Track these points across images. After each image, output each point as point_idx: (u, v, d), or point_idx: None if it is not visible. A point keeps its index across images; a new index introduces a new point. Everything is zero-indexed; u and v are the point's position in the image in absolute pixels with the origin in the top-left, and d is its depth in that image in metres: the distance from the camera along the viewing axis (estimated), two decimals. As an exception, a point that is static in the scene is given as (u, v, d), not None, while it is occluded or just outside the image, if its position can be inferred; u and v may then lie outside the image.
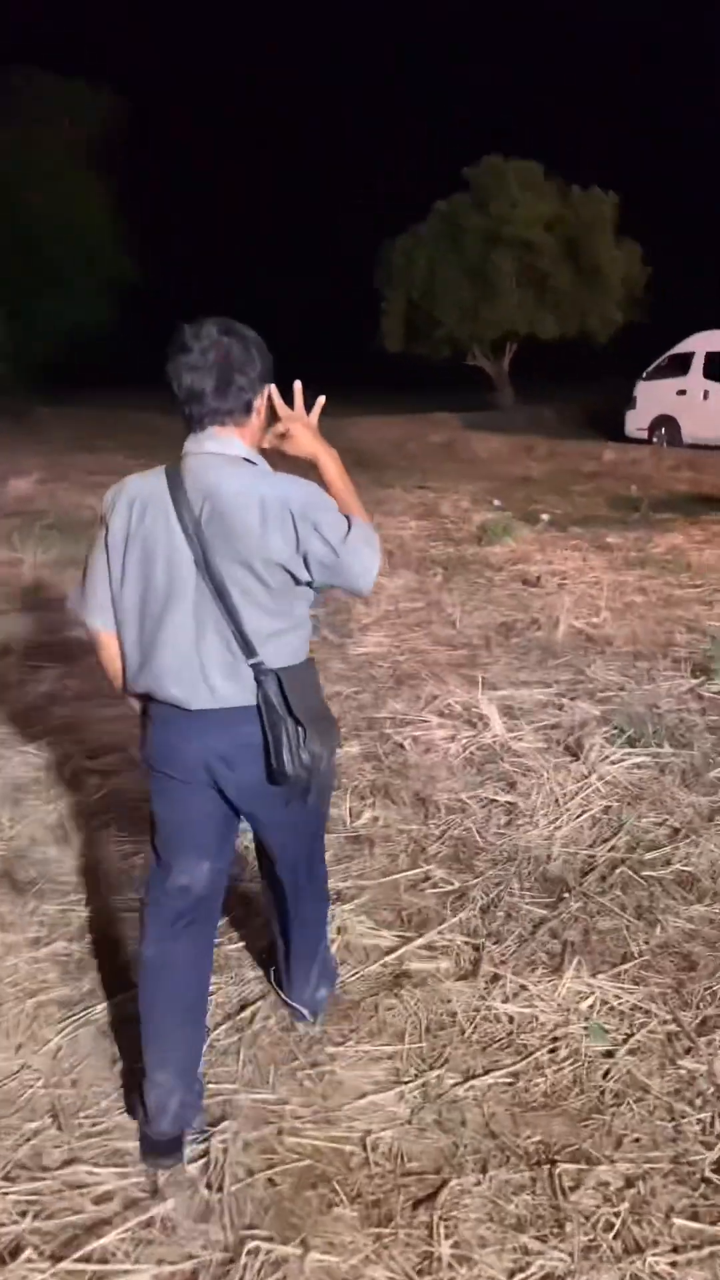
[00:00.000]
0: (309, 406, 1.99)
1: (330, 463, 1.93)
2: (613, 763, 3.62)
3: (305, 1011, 2.29)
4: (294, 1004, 2.29)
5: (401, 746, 3.86)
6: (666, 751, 3.74)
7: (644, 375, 17.59)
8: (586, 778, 3.50)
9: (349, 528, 1.80)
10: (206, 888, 1.95)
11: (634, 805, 3.34)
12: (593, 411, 23.39)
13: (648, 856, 3.03)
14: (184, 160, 33.73)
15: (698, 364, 16.41)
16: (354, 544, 1.80)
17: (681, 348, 16.85)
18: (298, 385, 1.96)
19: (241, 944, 2.63)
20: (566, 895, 2.84)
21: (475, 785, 3.54)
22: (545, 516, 9.18)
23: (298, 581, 1.81)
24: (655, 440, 17.17)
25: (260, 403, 1.86)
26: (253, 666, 1.79)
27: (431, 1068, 2.16)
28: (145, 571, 1.79)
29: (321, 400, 1.99)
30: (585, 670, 4.69)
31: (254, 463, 1.84)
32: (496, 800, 3.41)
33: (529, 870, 2.98)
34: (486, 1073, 2.14)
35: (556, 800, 3.36)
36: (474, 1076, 2.13)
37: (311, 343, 33.16)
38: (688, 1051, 2.20)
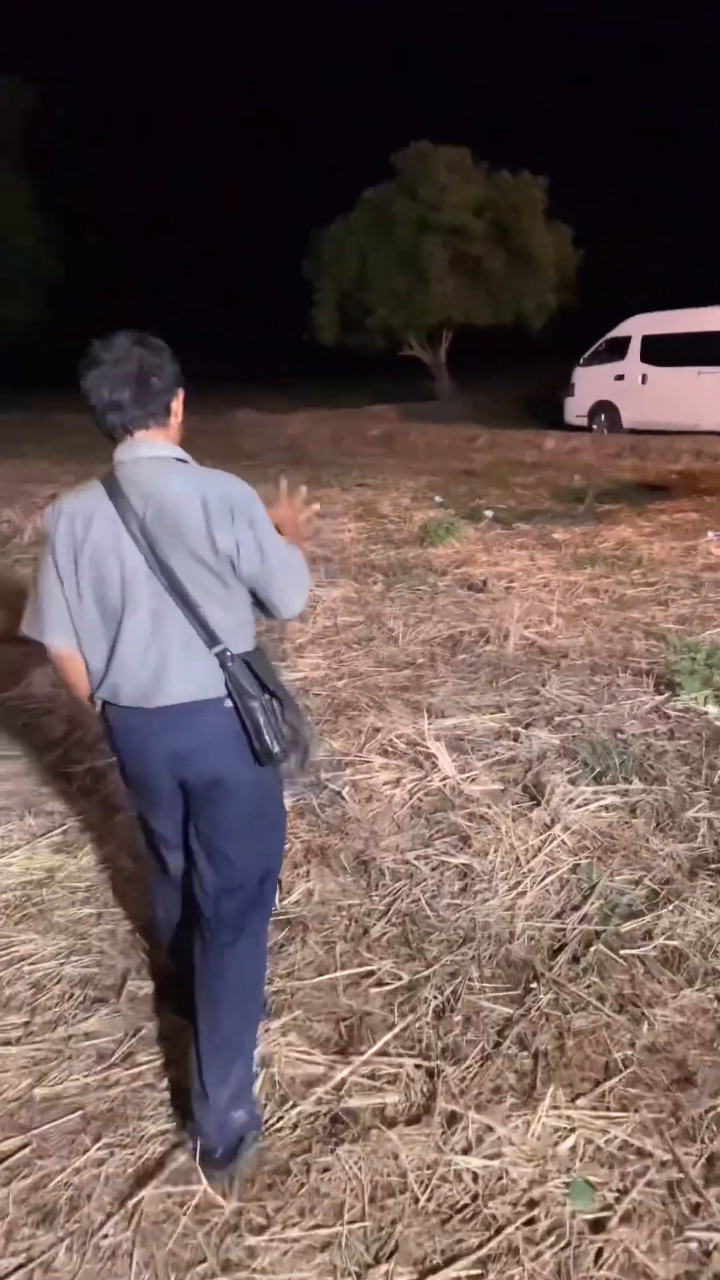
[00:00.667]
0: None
1: (289, 534, 2.03)
2: (578, 806, 3.19)
3: (216, 1147, 1.87)
4: (202, 1133, 1.88)
5: (340, 796, 3.39)
6: (636, 788, 3.33)
7: (581, 361, 17.33)
8: (549, 828, 3.07)
9: (283, 546, 1.87)
10: (176, 872, 2.07)
11: (605, 860, 2.92)
12: (531, 398, 23.17)
13: (625, 928, 2.60)
14: (106, 152, 32.67)
15: (634, 348, 16.18)
16: (284, 557, 1.86)
17: (618, 332, 16.61)
18: (303, 489, 2.18)
19: (138, 1082, 2.13)
20: (535, 985, 2.39)
21: (424, 842, 3.08)
22: (488, 513, 8.78)
23: (229, 575, 1.83)
24: (595, 427, 16.94)
25: (177, 404, 1.90)
26: (218, 655, 1.83)
27: (378, 1259, 1.70)
28: (98, 582, 1.82)
29: (315, 508, 2.22)
30: (540, 689, 4.26)
31: (185, 461, 1.88)
32: (449, 861, 2.95)
33: (489, 953, 2.53)
34: (448, 1262, 1.69)
35: (517, 859, 2.92)
36: (432, 1271, 1.67)
37: (242, 337, 32.56)
38: (696, 1210, 1.77)
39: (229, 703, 1.84)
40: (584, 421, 17.22)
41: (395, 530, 8.29)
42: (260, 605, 1.93)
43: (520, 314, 24.92)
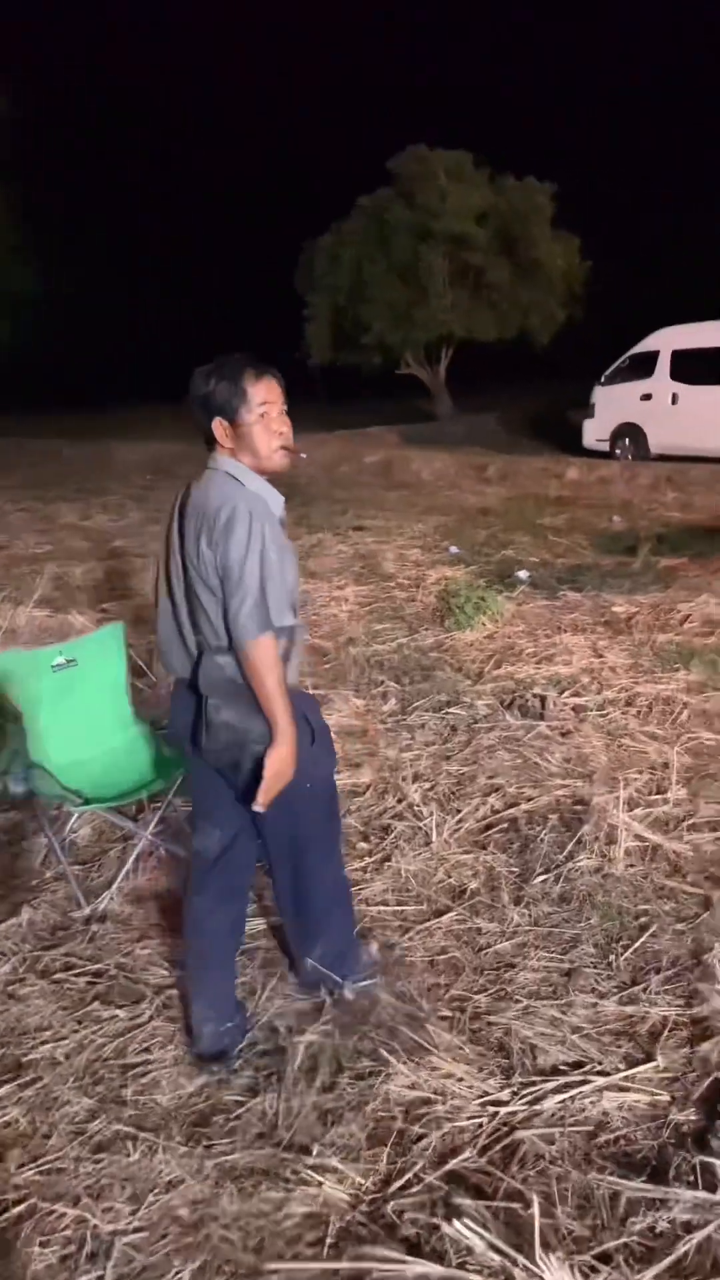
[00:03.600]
0: None
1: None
2: None
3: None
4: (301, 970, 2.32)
5: None
6: None
7: (602, 379, 15.56)
8: None
9: (248, 578, 1.93)
10: (225, 854, 2.19)
11: None
12: (537, 418, 21.47)
13: None
14: (90, 165, 31.02)
15: (663, 364, 14.43)
16: (242, 594, 1.91)
17: (644, 346, 14.86)
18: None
19: None
20: None
21: None
22: (522, 574, 6.94)
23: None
24: (618, 452, 15.17)
25: (218, 433, 2.07)
26: (197, 642, 2.06)
27: None
28: (166, 561, 2.13)
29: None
30: (699, 985, 2.39)
31: (234, 477, 2.04)
32: None
33: None
34: None
35: None
36: None
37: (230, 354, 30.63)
38: None
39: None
40: (605, 446, 15.44)
41: (406, 600, 6.44)
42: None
43: (525, 328, 23.25)
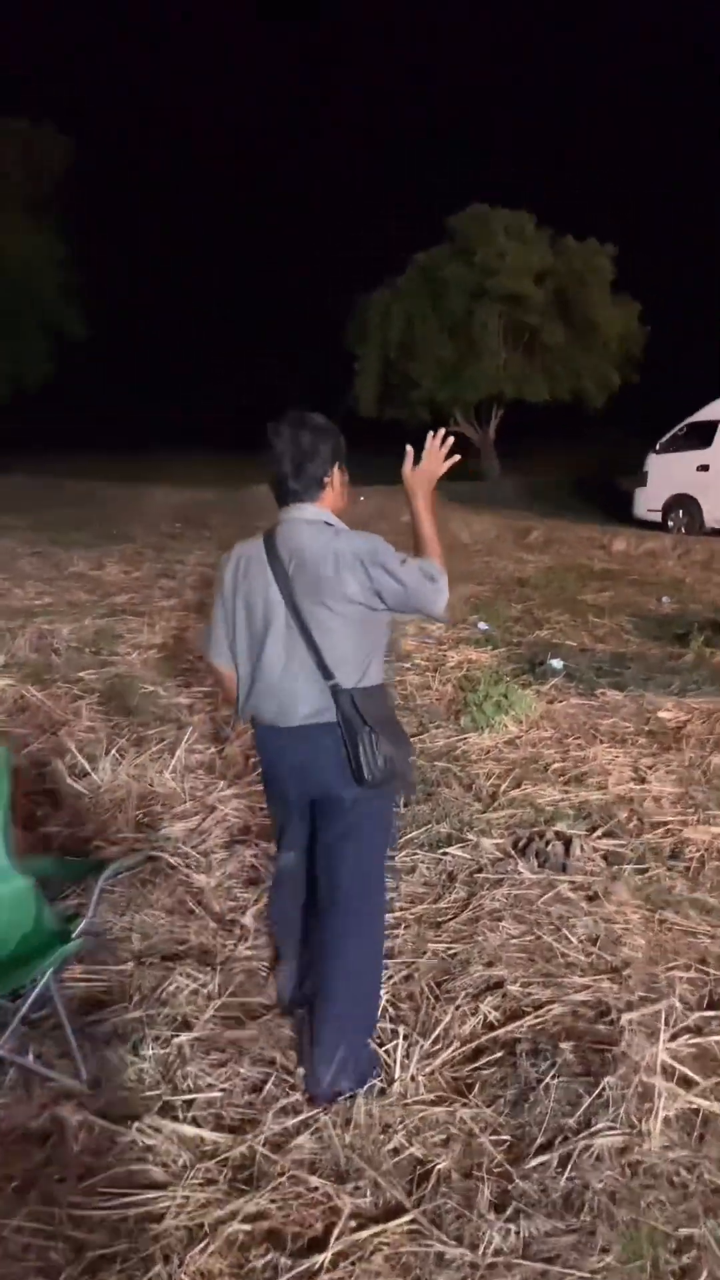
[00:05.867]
0: (448, 455, 2.34)
1: (424, 505, 2.30)
2: None
3: (322, 1099, 2.15)
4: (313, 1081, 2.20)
5: None
6: None
7: (657, 447, 14.78)
8: None
9: (413, 569, 2.13)
10: (295, 868, 2.35)
11: None
12: (586, 483, 20.72)
13: None
14: (143, 211, 31.42)
15: (723, 435, 13.62)
16: (417, 579, 2.13)
17: (704, 415, 14.07)
18: (450, 439, 2.33)
19: None
20: None
21: None
22: (556, 662, 6.09)
23: (374, 609, 2.16)
24: (671, 524, 14.31)
25: (331, 478, 2.23)
26: (331, 688, 2.14)
27: None
28: (250, 615, 2.22)
29: (455, 459, 2.34)
30: None
31: (331, 524, 2.22)
32: None
33: None
34: None
35: None
36: None
37: (276, 405, 30.45)
38: None
39: (339, 729, 2.14)
40: (657, 517, 14.60)
41: (420, 686, 5.64)
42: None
43: (578, 391, 22.63)
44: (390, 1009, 2.48)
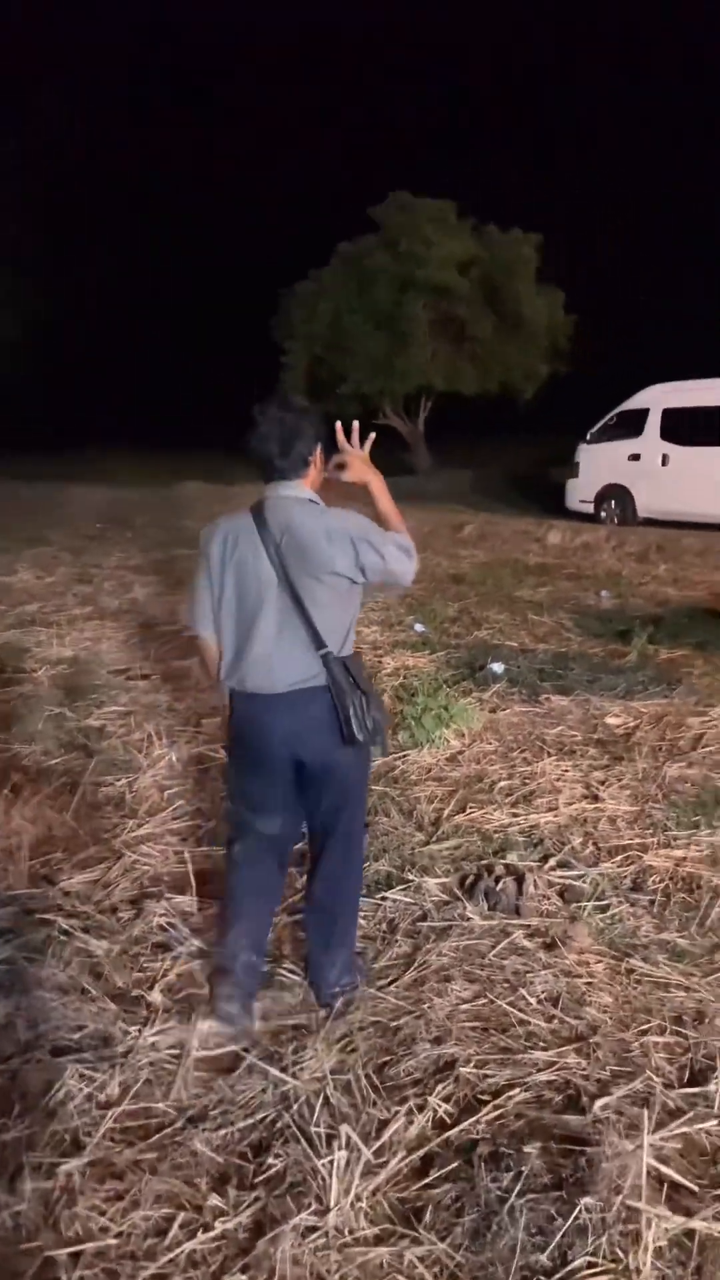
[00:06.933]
0: (362, 440, 2.50)
1: (379, 486, 2.46)
2: None
3: (335, 996, 2.43)
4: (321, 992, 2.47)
5: None
6: None
7: (588, 437, 14.65)
8: None
9: (391, 543, 2.31)
10: (282, 831, 2.48)
11: None
12: (519, 475, 20.62)
13: None
14: (61, 209, 30.28)
15: (653, 423, 13.54)
16: (395, 554, 2.30)
17: (633, 404, 13.97)
18: (355, 425, 2.49)
19: None
20: None
21: None
22: (497, 667, 5.75)
23: (354, 583, 2.31)
24: (603, 515, 14.20)
25: (314, 457, 2.35)
26: (323, 656, 2.28)
27: None
28: (240, 587, 2.31)
29: (372, 436, 2.51)
30: None
31: (316, 502, 2.35)
32: None
33: None
34: None
35: None
36: None
37: (204, 401, 29.79)
38: None
39: (329, 694, 2.28)
40: (589, 508, 14.49)
41: (354, 697, 5.23)
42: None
43: (508, 382, 22.49)
44: (326, 1104, 2.08)
